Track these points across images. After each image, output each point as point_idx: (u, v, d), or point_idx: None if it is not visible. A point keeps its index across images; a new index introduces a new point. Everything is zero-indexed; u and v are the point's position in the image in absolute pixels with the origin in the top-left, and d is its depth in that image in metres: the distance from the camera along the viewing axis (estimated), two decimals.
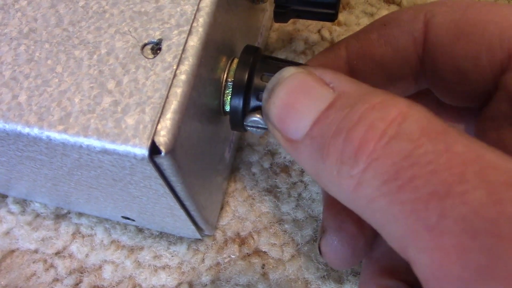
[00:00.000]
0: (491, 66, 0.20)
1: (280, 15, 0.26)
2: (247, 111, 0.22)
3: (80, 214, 0.30)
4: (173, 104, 0.18)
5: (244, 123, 0.21)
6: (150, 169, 0.18)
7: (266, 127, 0.21)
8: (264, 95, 0.19)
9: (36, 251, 0.30)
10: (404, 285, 0.20)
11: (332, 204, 0.22)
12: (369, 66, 0.23)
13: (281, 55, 0.34)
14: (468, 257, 0.12)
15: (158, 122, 0.18)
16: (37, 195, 0.29)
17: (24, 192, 0.29)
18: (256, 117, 0.21)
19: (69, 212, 0.30)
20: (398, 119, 0.15)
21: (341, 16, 0.35)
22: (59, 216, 0.30)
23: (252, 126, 0.21)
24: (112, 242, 0.29)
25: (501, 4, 0.20)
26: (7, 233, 0.30)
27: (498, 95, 0.20)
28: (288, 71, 0.18)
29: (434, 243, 0.13)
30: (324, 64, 0.24)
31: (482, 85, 0.20)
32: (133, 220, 0.28)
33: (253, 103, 0.21)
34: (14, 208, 0.31)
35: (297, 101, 0.17)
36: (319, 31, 0.35)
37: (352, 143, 0.15)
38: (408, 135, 0.14)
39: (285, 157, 0.31)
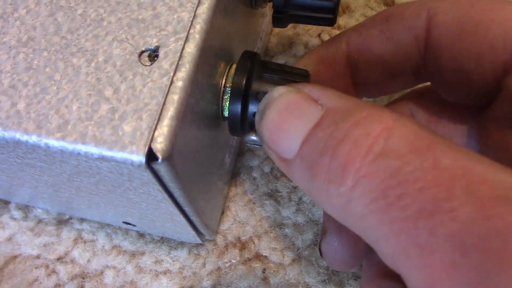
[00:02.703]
0: (493, 67, 0.20)
1: (279, 20, 0.26)
2: (245, 116, 0.22)
3: (82, 220, 0.30)
4: (170, 111, 0.18)
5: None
6: (147, 176, 0.18)
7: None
8: (257, 117, 0.19)
9: (38, 257, 0.30)
10: (404, 287, 0.20)
11: None
12: (370, 61, 0.23)
13: (281, 59, 0.34)
14: (459, 274, 0.13)
15: (155, 128, 0.18)
16: (39, 201, 0.29)
17: (26, 198, 0.29)
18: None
19: (71, 218, 0.31)
20: (383, 134, 0.15)
21: (341, 20, 0.35)
22: (61, 221, 0.30)
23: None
24: (114, 247, 0.30)
25: (505, 2, 0.20)
26: (9, 239, 0.30)
27: (501, 96, 0.20)
28: (277, 91, 0.18)
29: (425, 260, 0.13)
30: (324, 58, 0.24)
31: (484, 85, 0.20)
32: (134, 225, 0.28)
33: (252, 108, 0.21)
34: (17, 214, 0.31)
35: (286, 122, 0.17)
36: (319, 35, 0.35)
37: (338, 160, 0.15)
38: (395, 152, 0.14)
39: None
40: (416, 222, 0.13)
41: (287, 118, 0.17)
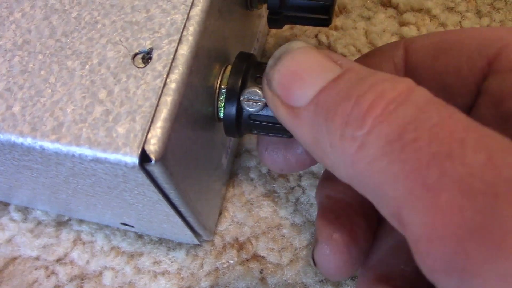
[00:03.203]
0: (473, 76, 0.20)
1: (274, 21, 0.26)
2: (240, 117, 0.22)
3: (81, 221, 0.31)
4: (163, 113, 0.18)
5: (241, 96, 0.21)
6: (141, 177, 0.19)
7: (262, 99, 0.21)
8: (269, 62, 0.19)
9: (37, 258, 0.30)
10: None
11: (325, 213, 0.23)
12: None
13: None
14: (464, 217, 0.13)
15: (149, 130, 0.18)
16: (38, 203, 0.29)
17: (25, 200, 0.29)
18: (255, 89, 0.21)
19: (70, 219, 0.31)
20: (407, 91, 0.15)
21: (338, 21, 0.35)
22: (60, 223, 0.31)
23: (249, 100, 0.21)
24: (112, 248, 0.30)
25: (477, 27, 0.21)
26: (9, 240, 0.30)
27: (480, 101, 0.20)
28: (297, 44, 0.18)
29: (431, 202, 0.13)
30: None
31: (465, 97, 0.21)
32: (132, 227, 0.29)
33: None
34: (16, 215, 0.31)
35: (304, 71, 0.18)
36: (316, 36, 0.35)
37: (360, 106, 0.15)
38: (415, 103, 0.15)
39: None
40: (428, 163, 0.14)
41: (305, 68, 0.18)
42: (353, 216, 0.22)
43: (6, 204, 0.31)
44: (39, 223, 0.31)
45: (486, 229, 0.13)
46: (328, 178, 0.24)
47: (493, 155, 0.13)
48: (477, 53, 0.20)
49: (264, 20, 0.33)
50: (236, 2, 0.25)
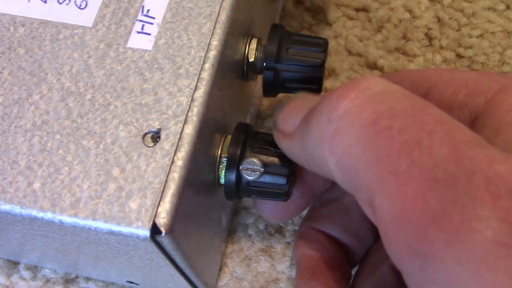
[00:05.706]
0: None
1: (269, 91, 0.29)
2: (240, 183, 0.24)
3: (88, 279, 0.32)
4: (172, 189, 0.20)
5: (240, 166, 0.23)
6: (152, 247, 0.20)
7: (261, 169, 0.23)
8: (276, 111, 0.23)
9: None
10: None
11: (302, 272, 0.25)
12: None
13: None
14: (427, 204, 0.14)
15: (158, 205, 0.20)
16: (47, 262, 0.31)
17: (35, 259, 0.31)
18: (253, 159, 0.23)
19: (77, 277, 0.32)
20: (382, 80, 0.17)
21: (327, 83, 0.37)
22: (68, 280, 0.32)
23: (247, 169, 0.23)
24: None
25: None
26: None
27: None
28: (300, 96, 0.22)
29: (399, 189, 0.15)
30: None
31: None
32: (138, 284, 0.30)
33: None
34: (26, 274, 0.32)
35: (295, 107, 0.21)
36: None
37: (332, 96, 0.17)
38: (391, 93, 0.16)
39: None
40: (399, 152, 0.15)
41: (296, 106, 0.21)
42: (327, 271, 0.24)
43: (16, 263, 0.33)
44: (47, 281, 0.32)
45: (446, 216, 0.14)
46: (302, 237, 0.26)
47: (456, 147, 0.14)
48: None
49: (258, 85, 0.35)
50: (234, 76, 0.27)
